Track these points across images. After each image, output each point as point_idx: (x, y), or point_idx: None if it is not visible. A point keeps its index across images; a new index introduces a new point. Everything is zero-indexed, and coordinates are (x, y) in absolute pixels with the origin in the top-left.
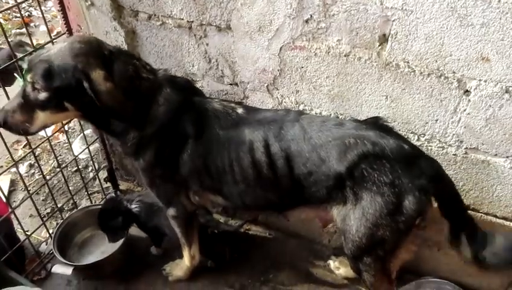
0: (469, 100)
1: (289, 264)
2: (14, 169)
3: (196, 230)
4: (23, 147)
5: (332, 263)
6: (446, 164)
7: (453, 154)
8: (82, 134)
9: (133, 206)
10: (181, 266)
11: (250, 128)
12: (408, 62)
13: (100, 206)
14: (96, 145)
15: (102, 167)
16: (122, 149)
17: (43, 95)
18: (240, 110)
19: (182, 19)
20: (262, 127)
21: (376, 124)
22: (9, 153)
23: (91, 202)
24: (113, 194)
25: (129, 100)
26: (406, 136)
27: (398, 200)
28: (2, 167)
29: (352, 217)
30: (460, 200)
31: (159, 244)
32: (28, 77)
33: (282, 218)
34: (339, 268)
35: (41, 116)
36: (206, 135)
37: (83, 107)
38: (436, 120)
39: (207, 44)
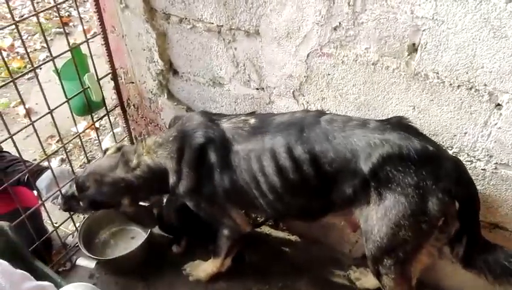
0: (500, 114)
1: (308, 271)
2: (46, 163)
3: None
4: (57, 142)
5: (353, 273)
6: (474, 178)
7: (482, 169)
8: (112, 132)
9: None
10: (204, 268)
11: (269, 136)
12: (437, 73)
13: None
14: (125, 143)
15: None
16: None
17: None
18: (252, 121)
19: (212, 23)
20: (281, 132)
21: (400, 123)
22: (42, 147)
23: None
24: None
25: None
26: None
27: (422, 201)
28: (35, 160)
29: (375, 217)
30: (478, 204)
31: (178, 242)
32: None
33: (303, 224)
34: (359, 279)
35: None
36: (227, 154)
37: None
38: (465, 133)
39: (235, 48)
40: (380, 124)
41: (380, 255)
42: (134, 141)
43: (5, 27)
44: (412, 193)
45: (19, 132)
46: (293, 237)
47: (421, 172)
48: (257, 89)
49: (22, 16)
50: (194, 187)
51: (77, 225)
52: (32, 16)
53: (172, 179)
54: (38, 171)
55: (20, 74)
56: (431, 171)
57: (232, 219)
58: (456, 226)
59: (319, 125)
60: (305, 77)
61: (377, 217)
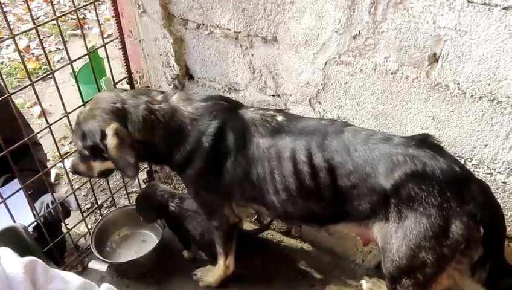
0: None
1: (320, 280)
2: (59, 163)
3: (235, 241)
4: (69, 143)
5: (365, 284)
6: (494, 191)
7: (502, 182)
8: None
9: (172, 204)
10: (213, 273)
11: (292, 137)
12: (459, 84)
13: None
14: None
15: (142, 167)
16: (169, 166)
17: (86, 152)
18: (279, 118)
19: (230, 30)
20: (305, 136)
21: (425, 141)
22: (57, 148)
23: (129, 202)
24: (155, 182)
25: (149, 137)
26: None
27: (445, 223)
28: (49, 160)
29: (394, 236)
30: (504, 231)
31: (187, 247)
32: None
33: (316, 232)
34: (372, 289)
35: (95, 165)
36: (246, 143)
37: None
38: (486, 145)
39: (252, 55)
40: (404, 140)
41: (398, 275)
42: None
43: (26, 31)
44: (435, 214)
45: (36, 134)
46: (305, 245)
47: (445, 193)
48: (273, 95)
49: (38, 18)
50: (202, 171)
51: (89, 226)
52: (52, 20)
53: (187, 148)
54: None
55: (37, 77)
56: (456, 193)
57: (223, 211)
58: (480, 252)
59: (343, 135)
60: (322, 84)
61: (397, 236)
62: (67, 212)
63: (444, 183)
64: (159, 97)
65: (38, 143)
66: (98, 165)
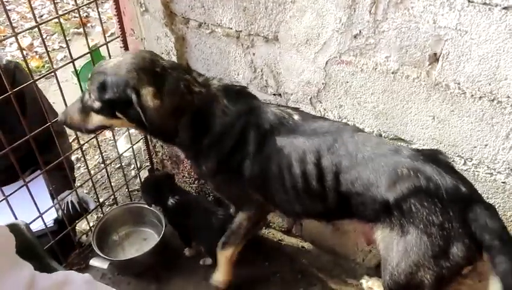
0: None
1: (320, 279)
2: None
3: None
4: (72, 141)
5: (365, 283)
6: (494, 191)
7: (502, 182)
8: (127, 132)
9: (170, 200)
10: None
11: (305, 137)
12: (459, 83)
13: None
14: (140, 144)
15: (144, 166)
16: (186, 155)
17: (96, 104)
18: (296, 117)
19: (231, 28)
20: (317, 137)
21: (435, 157)
22: (59, 147)
23: (131, 200)
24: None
25: (178, 116)
26: (451, 160)
27: (445, 244)
28: None
29: (395, 249)
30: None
31: (188, 243)
32: (87, 85)
33: (317, 231)
34: (372, 288)
35: (95, 118)
36: (266, 141)
37: (134, 119)
38: (486, 145)
39: (253, 54)
40: (413, 153)
41: (396, 288)
42: (150, 142)
43: (28, 29)
44: (436, 234)
45: (37, 132)
46: (306, 244)
47: (447, 212)
48: (274, 94)
49: (41, 16)
50: (220, 167)
51: (91, 224)
52: (54, 18)
53: (207, 141)
54: None
55: (40, 75)
56: (459, 213)
57: (252, 199)
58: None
59: (353, 140)
60: (323, 84)
61: (397, 250)
62: (85, 211)
63: (447, 202)
64: (200, 79)
65: (64, 132)
66: (99, 120)
